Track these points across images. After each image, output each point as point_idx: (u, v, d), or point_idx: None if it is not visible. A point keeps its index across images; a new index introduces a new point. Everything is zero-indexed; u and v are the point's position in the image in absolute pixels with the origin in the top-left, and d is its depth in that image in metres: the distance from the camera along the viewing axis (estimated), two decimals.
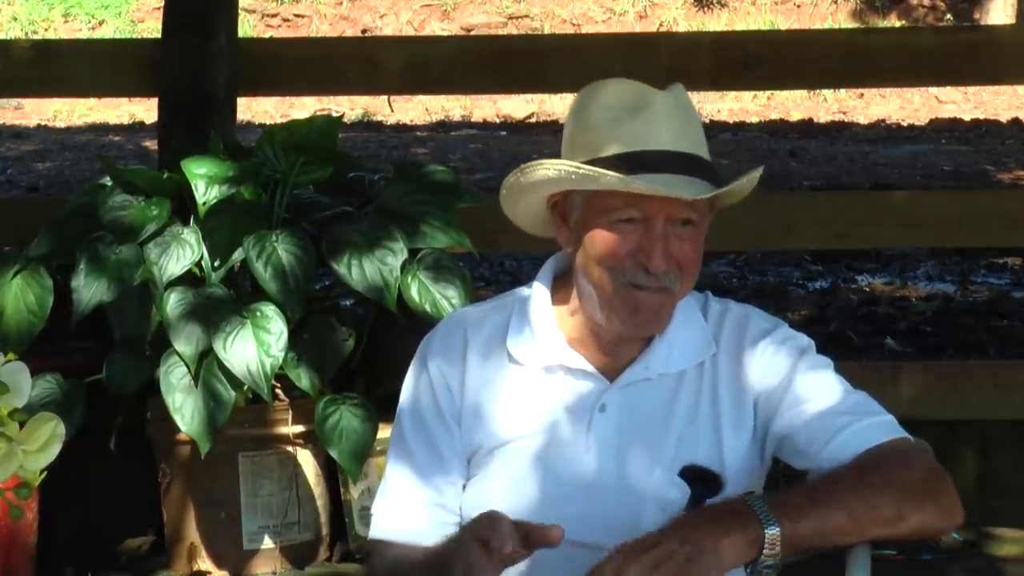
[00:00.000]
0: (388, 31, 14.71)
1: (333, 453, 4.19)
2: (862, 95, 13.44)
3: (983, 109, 13.26)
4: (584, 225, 2.36)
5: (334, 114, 10.74)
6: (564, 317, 2.43)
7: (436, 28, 14.81)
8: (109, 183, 4.43)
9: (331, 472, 4.44)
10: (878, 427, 2.32)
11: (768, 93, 13.12)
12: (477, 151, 10.82)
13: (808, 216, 5.03)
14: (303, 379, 4.21)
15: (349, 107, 12.82)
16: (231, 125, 4.97)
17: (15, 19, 15.01)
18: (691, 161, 2.32)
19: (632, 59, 5.04)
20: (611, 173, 2.29)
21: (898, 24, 14.99)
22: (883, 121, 12.79)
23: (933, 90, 13.27)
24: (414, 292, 4.24)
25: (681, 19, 15.00)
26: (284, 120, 9.20)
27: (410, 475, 2.43)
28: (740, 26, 14.19)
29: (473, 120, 12.90)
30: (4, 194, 9.27)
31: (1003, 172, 10.01)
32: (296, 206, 4.40)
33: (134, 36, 14.13)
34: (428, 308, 4.21)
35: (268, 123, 11.39)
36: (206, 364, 4.15)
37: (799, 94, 13.24)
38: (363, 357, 4.37)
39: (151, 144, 9.25)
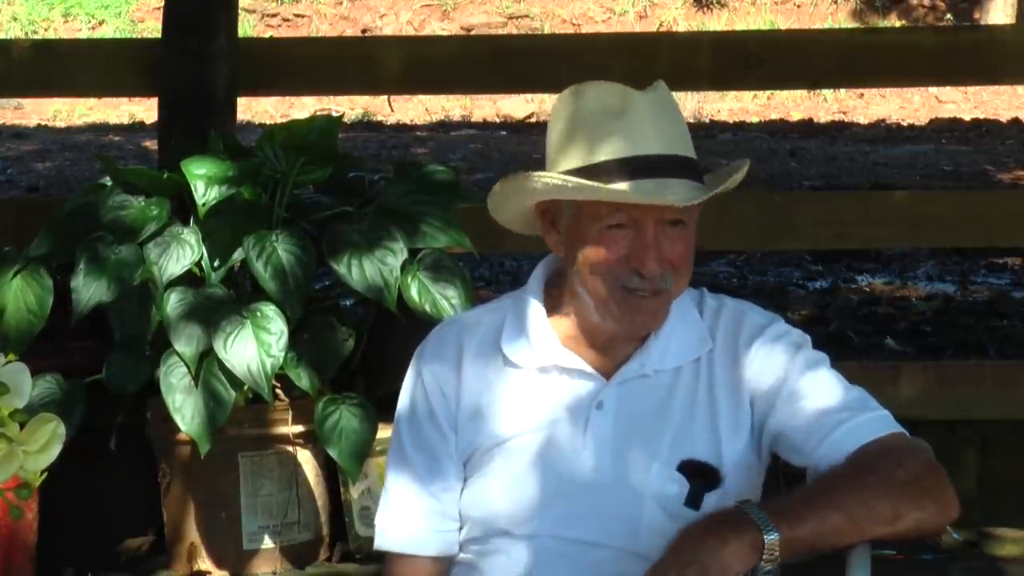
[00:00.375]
0: (388, 31, 14.70)
1: (333, 453, 4.19)
2: (862, 95, 13.44)
3: (983, 109, 13.26)
4: (574, 232, 2.35)
5: (334, 114, 10.74)
6: (558, 317, 2.43)
7: (436, 28, 14.81)
8: (109, 183, 4.43)
9: (331, 472, 4.44)
10: (873, 423, 2.32)
11: (768, 93, 13.12)
12: (477, 151, 10.82)
13: (808, 216, 5.03)
14: (303, 379, 4.21)
15: (349, 107, 12.82)
16: (231, 125, 4.96)
17: (15, 19, 15.01)
18: (679, 162, 2.32)
19: (632, 59, 5.04)
20: (601, 185, 2.28)
21: (898, 24, 14.99)
22: (883, 121, 12.79)
23: (933, 90, 13.27)
24: (414, 292, 4.24)
25: (681, 19, 15.00)
26: (284, 120, 9.19)
27: (409, 484, 2.45)
28: (740, 26, 14.19)
29: (473, 120, 12.90)
30: (4, 194, 9.26)
31: (1003, 172, 10.01)
32: (296, 206, 4.40)
33: (134, 36, 14.12)
34: (428, 308, 4.21)
35: (268, 123, 11.39)
36: (206, 364, 4.15)
37: (799, 94, 13.24)
38: (363, 357, 4.37)
39: (151, 144, 9.25)
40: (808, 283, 7.43)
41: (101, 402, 4.26)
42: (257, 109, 12.76)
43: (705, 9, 15.14)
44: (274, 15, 15.16)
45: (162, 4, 5.48)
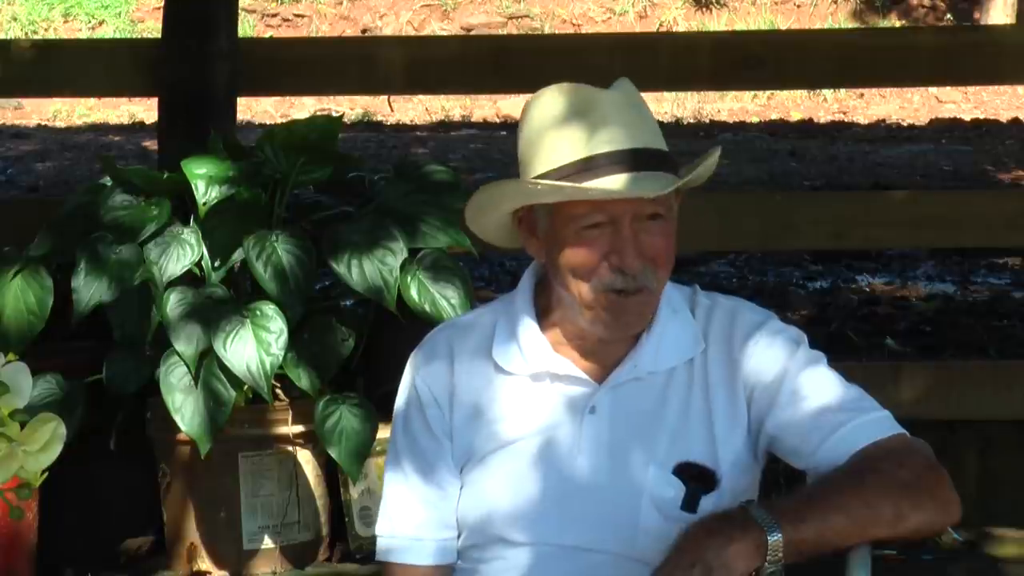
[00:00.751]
0: (388, 31, 14.69)
1: (333, 453, 4.19)
2: (862, 95, 13.43)
3: (983, 109, 13.25)
4: (553, 236, 2.35)
5: (334, 114, 10.74)
6: (548, 323, 2.42)
7: (436, 28, 14.80)
8: (109, 183, 4.43)
9: (331, 472, 4.44)
10: (873, 424, 2.31)
11: (768, 93, 13.10)
12: (477, 151, 10.81)
13: (808, 216, 5.03)
14: (303, 379, 4.21)
15: (349, 107, 12.80)
16: (231, 125, 4.96)
17: (15, 19, 15.00)
18: (647, 155, 2.31)
19: (632, 59, 5.03)
20: (569, 184, 2.27)
21: (898, 24, 14.98)
22: (883, 121, 12.78)
23: (933, 90, 13.25)
24: (414, 292, 4.24)
25: (681, 19, 14.98)
26: (284, 120, 9.19)
27: (406, 494, 2.45)
28: (740, 26, 14.18)
29: (473, 120, 12.88)
30: (4, 194, 9.26)
31: (1003, 172, 10.00)
32: (296, 206, 4.41)
33: (134, 36, 14.12)
34: (428, 308, 4.21)
35: (268, 123, 11.38)
36: (206, 364, 4.15)
37: (799, 94, 13.23)
38: (363, 357, 4.37)
39: (151, 144, 9.24)
40: (808, 283, 7.43)
41: (101, 402, 4.26)
42: (257, 109, 12.75)
43: (705, 9, 15.13)
44: (274, 15, 15.15)
45: (162, 4, 5.48)
